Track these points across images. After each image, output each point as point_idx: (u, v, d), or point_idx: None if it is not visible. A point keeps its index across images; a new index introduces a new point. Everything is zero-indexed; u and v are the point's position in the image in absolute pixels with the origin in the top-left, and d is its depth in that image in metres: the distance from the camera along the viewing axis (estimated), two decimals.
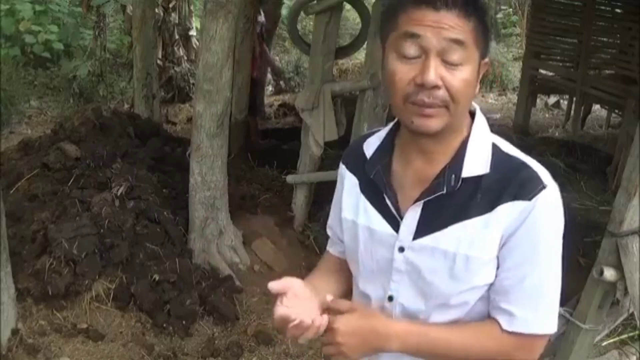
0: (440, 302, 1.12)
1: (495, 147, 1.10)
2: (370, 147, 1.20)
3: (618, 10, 6.05)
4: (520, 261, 1.06)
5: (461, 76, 1.00)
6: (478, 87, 1.07)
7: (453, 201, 1.07)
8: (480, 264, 1.07)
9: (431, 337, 1.10)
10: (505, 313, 1.08)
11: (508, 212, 1.04)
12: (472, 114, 1.13)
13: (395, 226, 1.12)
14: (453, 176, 1.06)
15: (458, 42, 0.99)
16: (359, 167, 1.21)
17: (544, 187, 1.04)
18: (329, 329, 1.07)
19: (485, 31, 1.04)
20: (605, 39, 6.35)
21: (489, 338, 1.10)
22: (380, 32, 1.09)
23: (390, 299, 1.17)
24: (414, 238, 1.10)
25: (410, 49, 1.00)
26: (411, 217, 1.11)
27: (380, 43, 1.09)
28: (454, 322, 1.13)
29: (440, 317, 1.13)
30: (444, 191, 1.06)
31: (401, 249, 1.12)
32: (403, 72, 1.02)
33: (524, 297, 1.07)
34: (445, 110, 1.02)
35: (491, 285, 1.09)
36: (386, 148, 1.17)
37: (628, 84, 5.46)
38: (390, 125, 1.19)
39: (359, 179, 1.21)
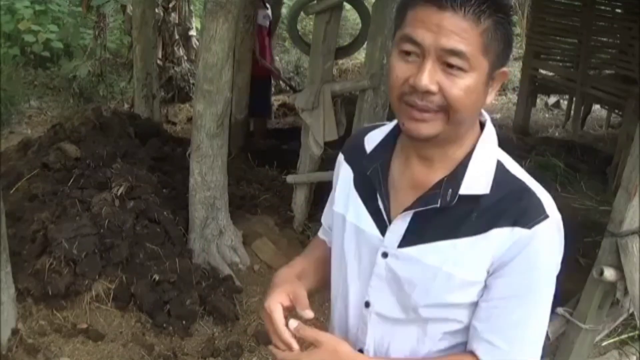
0: (415, 314, 1.06)
1: (499, 165, 1.02)
2: (371, 141, 1.13)
3: (618, 10, 6.05)
4: (511, 292, 1.00)
5: (462, 83, 0.93)
6: (491, 97, 1.00)
7: (446, 216, 1.01)
8: (463, 284, 1.01)
9: None
10: (487, 342, 1.02)
11: (504, 237, 0.98)
12: (483, 125, 1.06)
13: (383, 229, 1.07)
14: (450, 191, 1.00)
15: (456, 53, 0.92)
16: (357, 160, 1.15)
17: (546, 216, 0.98)
18: None
19: (503, 37, 0.95)
20: (605, 39, 6.35)
21: None
22: (394, 27, 1.04)
23: (367, 305, 1.11)
24: (400, 246, 1.05)
25: (409, 48, 0.95)
26: (400, 224, 1.05)
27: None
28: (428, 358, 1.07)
29: (417, 331, 1.08)
30: (438, 205, 1.00)
31: (384, 255, 1.07)
32: (401, 70, 0.97)
33: (509, 329, 1.01)
34: (442, 117, 0.95)
35: (474, 313, 1.03)
36: (388, 145, 1.10)
37: (628, 84, 5.46)
38: (395, 121, 1.10)
39: (354, 172, 1.15)
